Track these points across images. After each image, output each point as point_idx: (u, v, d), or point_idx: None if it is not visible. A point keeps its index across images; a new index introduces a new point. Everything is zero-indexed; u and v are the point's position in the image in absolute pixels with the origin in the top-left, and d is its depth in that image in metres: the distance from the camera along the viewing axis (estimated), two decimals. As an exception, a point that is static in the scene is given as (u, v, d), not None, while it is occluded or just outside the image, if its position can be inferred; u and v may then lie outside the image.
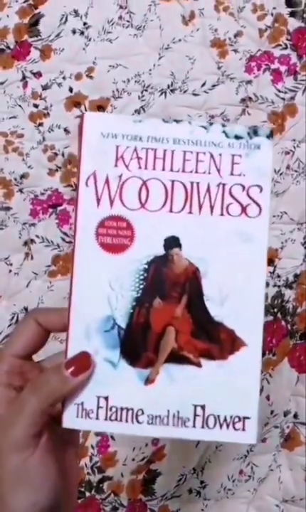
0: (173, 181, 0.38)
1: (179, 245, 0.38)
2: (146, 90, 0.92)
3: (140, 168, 0.38)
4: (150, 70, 0.92)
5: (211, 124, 0.40)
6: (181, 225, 0.38)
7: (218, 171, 0.39)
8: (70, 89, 0.94)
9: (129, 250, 0.38)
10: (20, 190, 0.92)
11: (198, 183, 0.38)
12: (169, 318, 0.39)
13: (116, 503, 0.84)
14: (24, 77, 0.95)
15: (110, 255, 0.38)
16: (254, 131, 0.39)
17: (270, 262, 0.87)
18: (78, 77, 0.94)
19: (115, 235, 0.38)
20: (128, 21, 0.94)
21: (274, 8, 0.93)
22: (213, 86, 0.91)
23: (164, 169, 0.38)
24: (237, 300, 0.39)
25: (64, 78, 0.94)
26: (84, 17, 0.96)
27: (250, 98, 0.90)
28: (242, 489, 0.82)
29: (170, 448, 0.84)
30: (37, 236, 0.91)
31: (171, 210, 0.38)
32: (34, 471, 0.37)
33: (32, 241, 0.91)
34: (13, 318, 0.89)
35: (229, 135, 0.39)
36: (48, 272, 0.90)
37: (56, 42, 0.95)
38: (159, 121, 0.39)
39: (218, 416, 0.38)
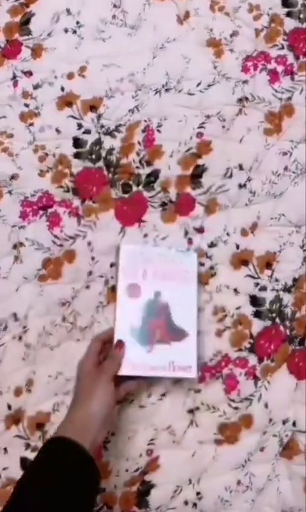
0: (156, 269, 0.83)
1: (160, 295, 0.82)
2: (140, 90, 0.90)
3: (143, 263, 0.82)
4: (144, 69, 0.90)
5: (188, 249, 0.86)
6: (162, 287, 0.82)
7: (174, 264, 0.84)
8: (62, 89, 0.91)
9: (140, 297, 0.81)
10: (10, 192, 0.90)
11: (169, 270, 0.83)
12: (157, 326, 0.81)
13: (109, 516, 0.81)
14: (15, 76, 0.93)
15: (132, 299, 0.81)
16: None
17: (268, 265, 0.85)
18: (70, 76, 0.92)
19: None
20: (122, 20, 0.92)
21: (270, 8, 0.92)
22: (209, 85, 0.89)
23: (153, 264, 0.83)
24: (183, 317, 0.81)
25: (55, 77, 0.92)
26: (76, 16, 0.94)
27: (246, 98, 0.88)
28: (240, 500, 0.79)
29: (165, 458, 0.81)
30: (27, 239, 0.88)
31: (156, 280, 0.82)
32: (108, 397, 0.71)
33: (21, 244, 0.88)
34: (1, 324, 0.86)
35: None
36: (38, 276, 0.87)
37: (48, 41, 0.93)
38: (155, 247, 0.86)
39: (180, 365, 0.79)
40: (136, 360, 0.78)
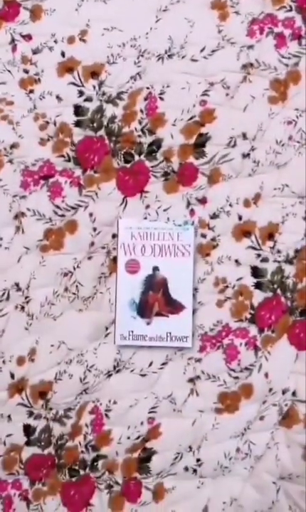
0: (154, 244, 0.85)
1: (158, 269, 0.85)
2: (142, 56, 0.87)
3: (142, 239, 0.85)
4: (147, 33, 0.87)
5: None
6: (160, 262, 0.85)
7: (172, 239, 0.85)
8: (63, 54, 0.89)
9: (139, 273, 0.85)
10: (10, 161, 0.89)
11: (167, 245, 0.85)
12: (155, 299, 0.85)
13: (111, 481, 0.83)
14: (13, 40, 0.90)
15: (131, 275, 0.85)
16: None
17: (270, 236, 0.84)
18: (71, 40, 0.89)
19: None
20: (123, -19, 0.89)
21: None
22: (213, 51, 0.86)
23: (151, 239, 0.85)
24: (180, 290, 0.84)
25: (56, 42, 0.89)
26: (76, -25, 0.90)
27: (251, 64, 0.86)
28: (238, 467, 0.81)
29: (166, 426, 0.83)
30: (28, 209, 0.88)
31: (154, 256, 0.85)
32: None
33: (23, 214, 0.88)
34: (4, 294, 0.87)
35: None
36: (39, 246, 0.87)
37: (47, 2, 0.90)
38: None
39: (176, 336, 0.83)
40: (137, 331, 0.84)
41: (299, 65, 0.85)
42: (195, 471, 0.82)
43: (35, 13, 0.90)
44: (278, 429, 0.80)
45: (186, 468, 0.82)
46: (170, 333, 0.83)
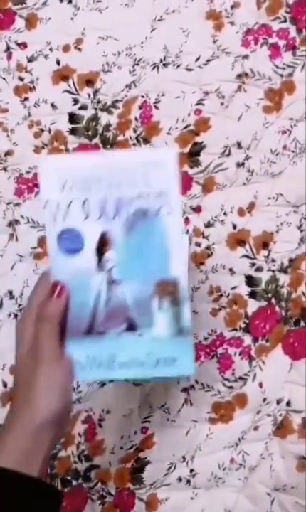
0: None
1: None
2: (137, 64, 0.88)
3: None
4: (142, 42, 0.88)
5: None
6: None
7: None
8: (58, 62, 0.89)
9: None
10: (5, 168, 0.88)
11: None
12: None
13: (103, 492, 0.82)
14: (8, 48, 0.90)
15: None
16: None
17: (265, 245, 0.84)
18: (66, 48, 0.89)
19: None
20: (119, -10, 0.89)
21: (273, -22, 0.89)
22: (208, 61, 0.87)
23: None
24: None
25: (51, 50, 0.89)
26: (72, -16, 0.91)
27: (246, 74, 0.86)
28: (232, 478, 0.80)
29: (159, 436, 0.82)
30: (22, 216, 0.87)
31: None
32: (58, 379, 0.51)
33: (17, 222, 0.87)
34: (-3, 301, 0.86)
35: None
36: (33, 254, 0.86)
37: (42, 10, 0.90)
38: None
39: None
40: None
41: (294, 75, 0.85)
42: (188, 481, 0.81)
43: (31, 22, 0.90)
44: (272, 439, 0.80)
45: (180, 479, 0.81)
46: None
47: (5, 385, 0.85)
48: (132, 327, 0.54)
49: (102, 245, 0.53)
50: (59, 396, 0.51)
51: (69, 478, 0.83)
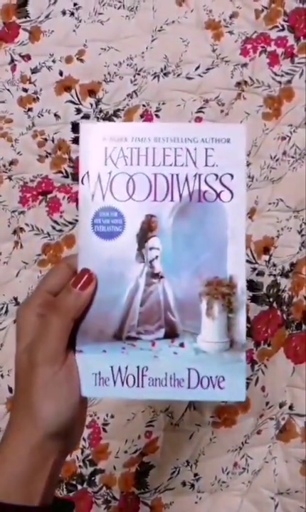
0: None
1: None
2: (138, 74, 0.89)
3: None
4: (143, 53, 0.90)
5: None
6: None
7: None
8: (61, 73, 0.91)
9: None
10: (9, 178, 0.90)
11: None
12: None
13: (108, 496, 0.83)
14: (12, 60, 0.92)
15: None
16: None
17: (266, 250, 0.85)
18: (68, 60, 0.91)
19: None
20: (120, 2, 0.91)
21: (270, -12, 0.91)
22: (208, 69, 0.88)
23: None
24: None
25: (54, 61, 0.91)
26: (74, -3, 0.93)
27: (245, 82, 0.87)
28: (236, 482, 0.80)
29: (163, 440, 0.82)
30: (26, 224, 0.89)
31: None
32: (61, 384, 0.43)
33: (21, 229, 0.89)
34: (2, 308, 0.87)
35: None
36: (38, 261, 0.88)
37: (45, 23, 0.92)
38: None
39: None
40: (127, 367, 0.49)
41: (293, 82, 0.87)
42: (192, 485, 0.81)
43: (34, 34, 0.92)
44: (276, 443, 0.80)
45: (184, 483, 0.81)
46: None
47: (11, 390, 0.86)
48: (171, 334, 0.44)
49: (146, 231, 0.44)
50: (63, 403, 0.43)
51: (74, 482, 0.84)
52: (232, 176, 0.44)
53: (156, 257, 0.44)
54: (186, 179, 0.44)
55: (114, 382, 0.44)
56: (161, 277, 0.44)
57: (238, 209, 0.44)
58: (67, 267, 0.46)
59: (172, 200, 0.44)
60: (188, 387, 0.43)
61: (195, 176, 0.44)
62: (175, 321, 0.44)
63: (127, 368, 0.44)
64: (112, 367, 0.44)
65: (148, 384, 0.44)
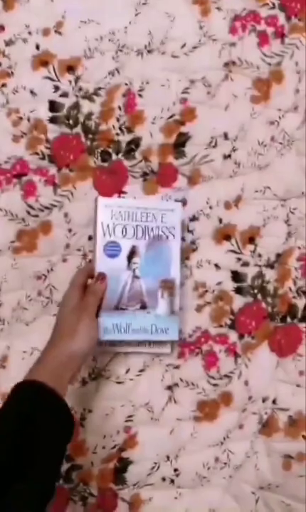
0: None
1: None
2: (121, 50, 0.84)
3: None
4: (125, 27, 0.84)
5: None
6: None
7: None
8: (37, 47, 0.85)
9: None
10: (-19, 158, 0.84)
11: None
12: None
13: (85, 493, 0.80)
14: (-16, 31, 0.86)
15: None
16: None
17: (251, 240, 0.82)
18: (46, 32, 0.85)
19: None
20: (101, -29, 0.85)
21: None
22: (194, 48, 0.83)
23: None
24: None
25: (30, 33, 0.85)
26: None
27: (233, 62, 0.83)
28: (217, 477, 0.79)
29: (143, 435, 0.80)
30: (0, 209, 0.84)
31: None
32: (91, 330, 0.70)
33: (-6, 214, 0.84)
34: (-26, 297, 0.83)
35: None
36: (11, 248, 0.83)
37: (21, -9, 0.86)
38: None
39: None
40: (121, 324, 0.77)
41: (282, 65, 0.83)
42: (172, 481, 0.79)
43: (8, 3, 0.85)
44: (258, 437, 0.79)
45: (164, 479, 0.80)
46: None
47: None
48: (143, 307, 0.78)
49: (131, 254, 0.78)
50: (90, 340, 0.69)
51: (50, 478, 0.81)
52: (174, 227, 0.79)
53: (136, 267, 0.78)
54: (152, 228, 0.79)
55: (114, 331, 0.77)
56: (139, 278, 0.78)
57: (176, 244, 0.79)
58: (87, 271, 0.76)
59: (145, 239, 0.79)
60: (151, 333, 0.78)
61: (156, 227, 0.79)
62: (146, 300, 0.78)
63: (120, 323, 0.77)
64: (113, 324, 0.77)
65: (131, 332, 0.77)
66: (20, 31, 0.85)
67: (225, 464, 0.79)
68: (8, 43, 0.85)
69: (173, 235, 0.79)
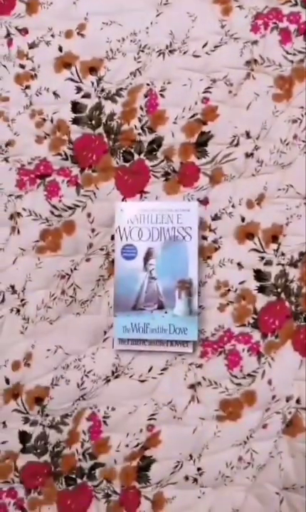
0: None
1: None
2: (142, 51, 0.84)
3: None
4: (147, 28, 0.85)
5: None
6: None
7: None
8: (60, 49, 0.86)
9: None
10: (6, 159, 0.86)
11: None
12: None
13: (108, 490, 0.80)
14: (8, 34, 0.87)
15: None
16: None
17: (274, 238, 0.81)
18: (68, 34, 0.86)
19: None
20: (123, -27, 0.86)
21: None
22: (216, 47, 0.83)
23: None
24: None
25: (53, 36, 0.86)
26: None
27: (255, 60, 0.83)
28: (241, 476, 0.78)
29: (165, 433, 0.80)
30: (24, 209, 0.85)
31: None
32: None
33: (18, 214, 0.85)
34: (-1, 296, 0.84)
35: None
36: (36, 247, 0.84)
37: (44, -5, 0.87)
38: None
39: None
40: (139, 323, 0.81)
41: (305, 62, 0.82)
42: (195, 480, 0.79)
43: (32, 6, 0.87)
44: (281, 437, 0.78)
45: (187, 478, 0.79)
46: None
47: (7, 381, 0.83)
48: (160, 307, 0.80)
49: (148, 255, 0.81)
50: None
51: (73, 476, 0.81)
52: (190, 227, 0.80)
53: (153, 269, 0.81)
54: (168, 230, 0.81)
55: (132, 330, 0.80)
56: (155, 279, 0.81)
57: (194, 244, 0.80)
58: None
59: (161, 240, 0.81)
60: (169, 333, 0.80)
61: (172, 228, 0.81)
62: (163, 301, 0.80)
63: (138, 323, 0.80)
64: (131, 323, 0.80)
65: (149, 331, 0.80)
66: (43, 34, 0.86)
67: (248, 463, 0.78)
68: (32, 45, 0.87)
69: (190, 235, 0.80)
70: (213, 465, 0.79)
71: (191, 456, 0.79)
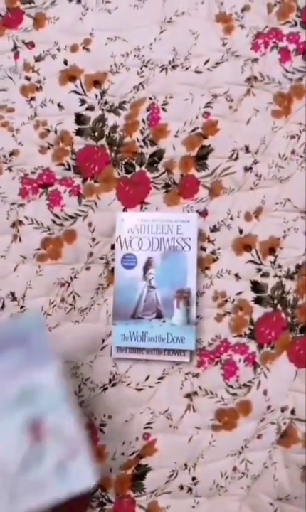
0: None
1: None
2: (146, 66, 0.87)
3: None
4: (151, 44, 0.87)
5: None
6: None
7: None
8: (65, 62, 0.88)
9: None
10: (9, 169, 0.87)
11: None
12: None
13: (103, 499, 0.81)
14: (15, 47, 0.89)
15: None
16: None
17: (271, 251, 0.83)
18: (74, 49, 0.88)
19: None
20: (128, -9, 0.88)
21: (283, -18, 0.88)
22: (217, 64, 0.86)
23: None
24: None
25: (58, 50, 0.88)
26: (81, -16, 0.90)
27: (255, 77, 0.85)
28: (235, 486, 0.79)
29: (161, 442, 0.81)
30: (26, 217, 0.86)
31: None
32: None
33: (20, 222, 0.86)
34: (-2, 303, 0.85)
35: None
36: (36, 255, 0.85)
37: (51, 10, 0.89)
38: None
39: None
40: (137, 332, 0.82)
41: (304, 80, 0.85)
42: (190, 489, 0.80)
43: (39, 21, 0.89)
44: (276, 448, 0.79)
45: (181, 487, 0.80)
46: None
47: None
48: (159, 316, 0.81)
49: (147, 265, 0.82)
50: None
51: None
52: (190, 238, 0.81)
53: (152, 278, 0.82)
54: (168, 240, 0.82)
55: (130, 339, 0.81)
56: (154, 288, 0.82)
57: (192, 255, 0.81)
58: None
59: (161, 250, 0.82)
60: (167, 342, 0.80)
61: (172, 238, 0.82)
62: (161, 310, 0.81)
63: (137, 332, 0.81)
64: (129, 331, 0.81)
65: (147, 340, 0.81)
66: (49, 48, 0.89)
67: (243, 473, 0.79)
68: (38, 58, 0.89)
69: (189, 246, 0.81)
70: (208, 474, 0.79)
71: (186, 465, 0.80)
